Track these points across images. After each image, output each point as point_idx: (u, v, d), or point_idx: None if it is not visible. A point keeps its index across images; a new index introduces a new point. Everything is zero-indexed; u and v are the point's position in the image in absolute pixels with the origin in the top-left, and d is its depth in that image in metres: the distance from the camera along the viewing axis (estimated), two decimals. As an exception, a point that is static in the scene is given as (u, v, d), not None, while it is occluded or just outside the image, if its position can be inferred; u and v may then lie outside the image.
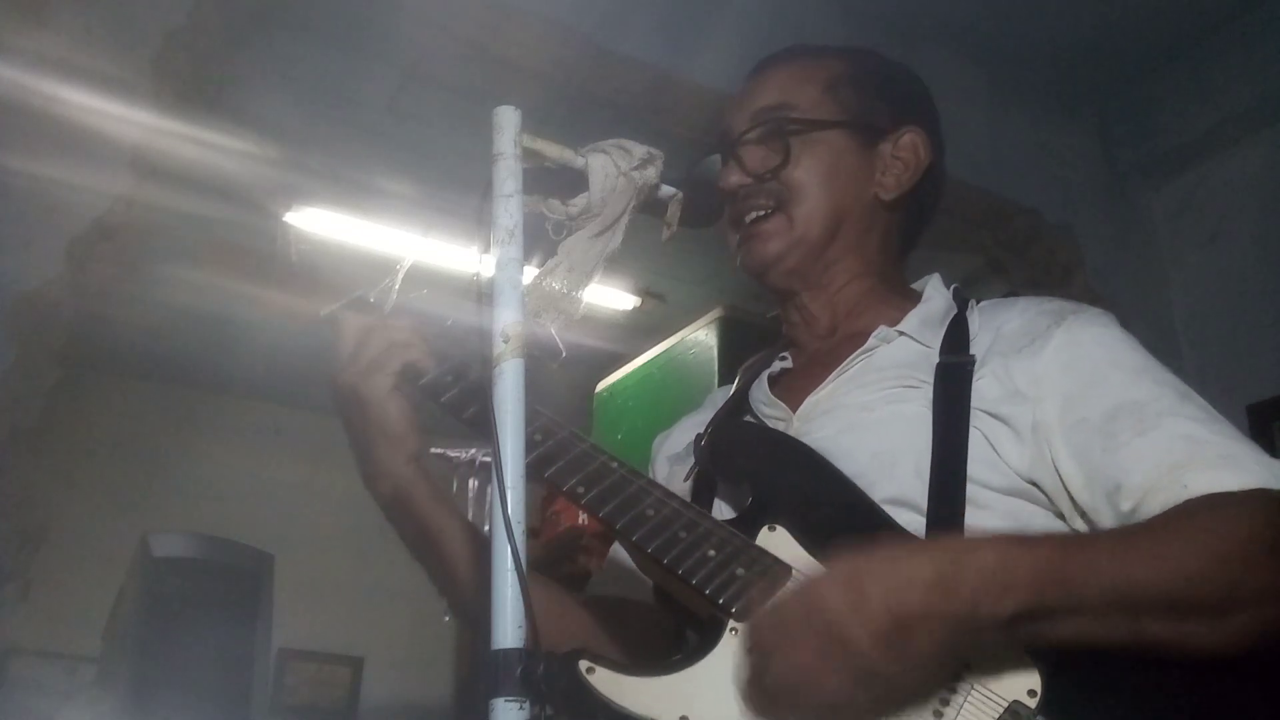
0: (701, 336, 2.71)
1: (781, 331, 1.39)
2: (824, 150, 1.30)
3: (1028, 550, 0.91)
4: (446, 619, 1.21)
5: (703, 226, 1.21)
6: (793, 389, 1.28)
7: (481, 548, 1.25)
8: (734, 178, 1.29)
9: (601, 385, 3.11)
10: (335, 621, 5.39)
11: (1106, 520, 1.06)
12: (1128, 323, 1.20)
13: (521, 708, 0.81)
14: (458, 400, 1.15)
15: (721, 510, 1.18)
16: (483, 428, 0.93)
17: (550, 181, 1.07)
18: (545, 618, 1.18)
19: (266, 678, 5.18)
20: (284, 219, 3.89)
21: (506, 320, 0.93)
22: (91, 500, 4.94)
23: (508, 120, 1.02)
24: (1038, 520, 1.09)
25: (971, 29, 3.51)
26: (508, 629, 0.83)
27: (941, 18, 3.46)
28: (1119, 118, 3.91)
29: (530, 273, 1.02)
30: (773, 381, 1.31)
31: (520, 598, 0.84)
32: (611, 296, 4.64)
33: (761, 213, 1.29)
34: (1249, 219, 3.56)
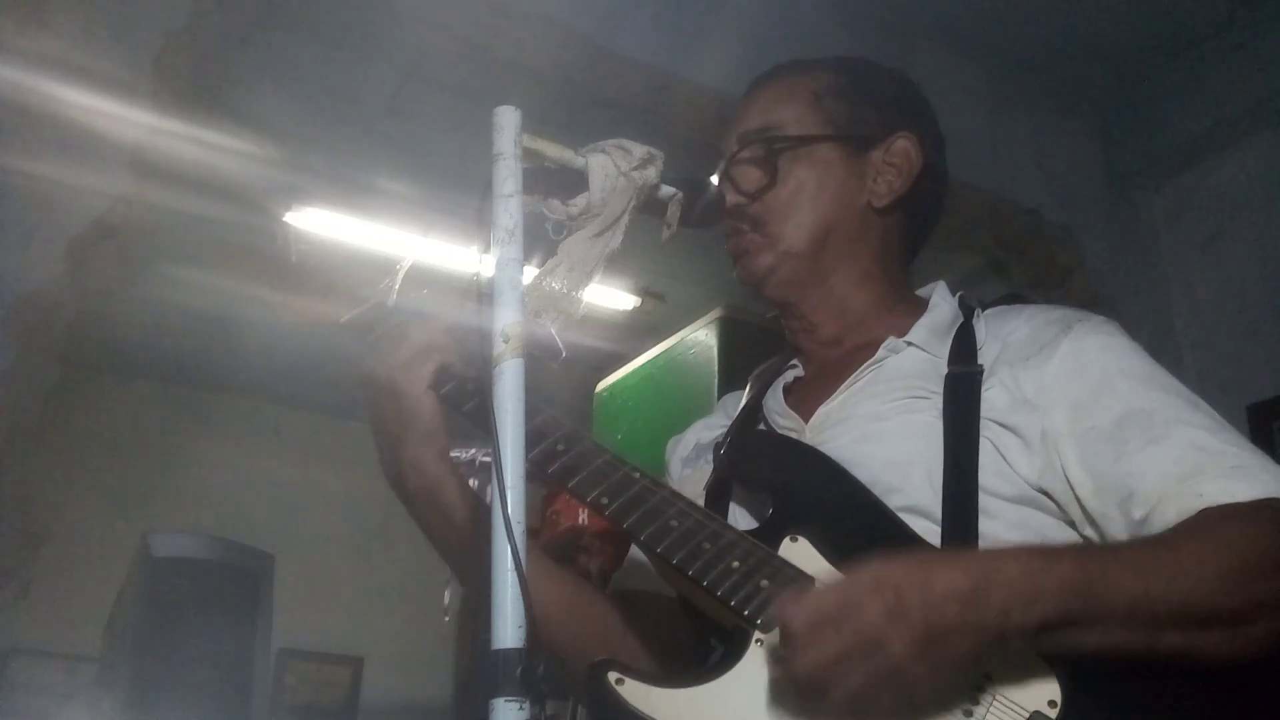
0: (701, 336, 2.71)
1: (786, 337, 1.40)
2: (811, 164, 1.31)
3: (1052, 562, 0.93)
4: (447, 619, 1.21)
5: (703, 226, 1.21)
6: (804, 399, 1.29)
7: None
8: (729, 198, 1.31)
9: (601, 385, 3.11)
10: (335, 621, 5.39)
11: (1117, 527, 1.07)
12: (1128, 323, 1.21)
13: (521, 708, 0.80)
14: (479, 411, 1.15)
15: (738, 518, 1.19)
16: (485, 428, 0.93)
17: (550, 181, 1.07)
18: (569, 612, 1.18)
19: (266, 678, 5.18)
20: (284, 219, 3.89)
21: (506, 320, 0.93)
22: (91, 500, 4.94)
23: (508, 120, 1.01)
24: (1049, 528, 1.10)
25: (971, 29, 3.51)
26: (508, 629, 0.83)
27: (941, 18, 3.46)
28: (1119, 118, 3.91)
29: (530, 273, 1.02)
30: (786, 391, 1.32)
31: (520, 598, 0.83)
32: (611, 296, 4.64)
33: (750, 232, 1.31)
34: (1249, 219, 3.56)
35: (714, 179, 1.33)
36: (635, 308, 4.73)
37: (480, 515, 1.18)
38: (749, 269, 1.32)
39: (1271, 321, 3.41)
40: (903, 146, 1.33)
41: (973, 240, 3.76)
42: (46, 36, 2.36)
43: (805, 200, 1.30)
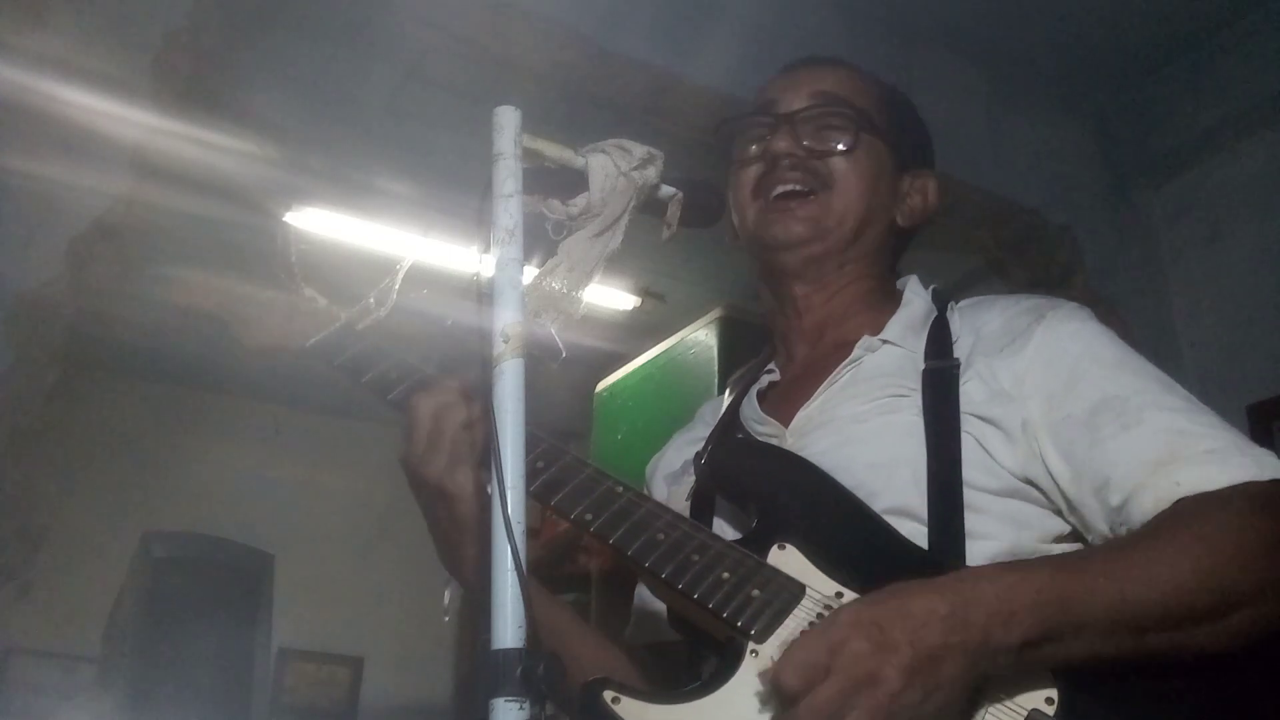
0: (701, 336, 2.71)
1: (770, 336, 1.40)
2: (873, 156, 1.34)
3: (1024, 577, 0.93)
4: (447, 619, 1.20)
5: (703, 226, 1.21)
6: (782, 403, 1.28)
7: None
8: (784, 143, 1.31)
9: (601, 385, 3.11)
10: (335, 621, 5.39)
11: (1095, 514, 1.07)
12: (1127, 323, 1.21)
13: (521, 708, 0.80)
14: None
15: (722, 528, 1.18)
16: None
17: (550, 181, 1.07)
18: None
19: (266, 678, 5.19)
20: (284, 219, 3.89)
21: (506, 320, 0.93)
22: (91, 500, 4.94)
23: (508, 120, 1.01)
24: (1036, 518, 1.10)
25: (971, 29, 3.51)
26: (508, 629, 0.83)
27: (941, 18, 3.46)
28: (1119, 118, 3.91)
29: (530, 273, 1.02)
30: (761, 396, 1.32)
31: (520, 598, 0.83)
32: (611, 296, 4.64)
33: (797, 187, 1.31)
34: (1249, 219, 3.55)
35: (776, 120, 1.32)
36: (635, 308, 4.73)
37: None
38: (787, 227, 1.30)
39: (1271, 321, 3.40)
40: (928, 184, 1.38)
41: (973, 240, 3.76)
42: (46, 36, 2.36)
43: (863, 185, 1.32)
